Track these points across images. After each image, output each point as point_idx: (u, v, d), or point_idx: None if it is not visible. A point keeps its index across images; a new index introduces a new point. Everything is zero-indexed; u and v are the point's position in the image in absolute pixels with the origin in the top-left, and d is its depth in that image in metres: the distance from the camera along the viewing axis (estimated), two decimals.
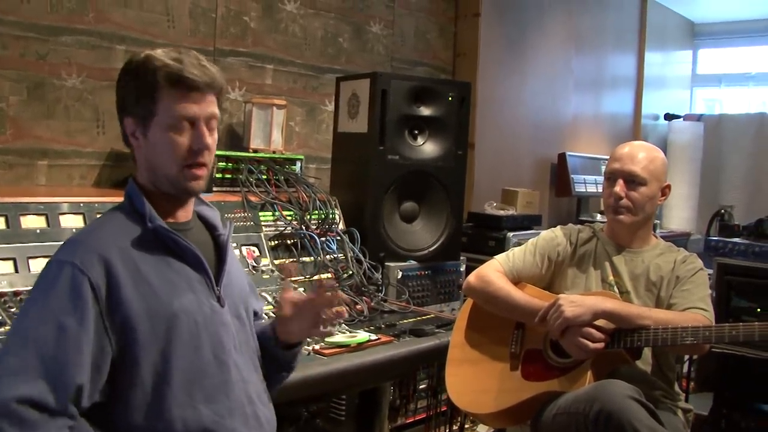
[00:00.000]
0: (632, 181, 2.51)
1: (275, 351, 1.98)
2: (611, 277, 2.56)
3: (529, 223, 4.76)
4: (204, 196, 1.92)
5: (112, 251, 1.62)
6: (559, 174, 5.94)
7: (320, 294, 1.89)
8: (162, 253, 1.71)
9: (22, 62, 3.08)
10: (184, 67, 1.66)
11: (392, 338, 2.74)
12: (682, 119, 7.54)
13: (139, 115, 1.69)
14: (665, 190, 2.58)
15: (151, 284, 1.65)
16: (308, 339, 2.01)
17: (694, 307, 2.36)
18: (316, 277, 3.20)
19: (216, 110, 1.74)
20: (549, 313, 2.32)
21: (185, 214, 1.82)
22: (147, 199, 1.73)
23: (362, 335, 2.68)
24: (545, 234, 2.72)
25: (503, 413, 2.42)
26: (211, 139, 1.73)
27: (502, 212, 4.71)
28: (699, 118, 7.60)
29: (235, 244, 3.01)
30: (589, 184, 5.85)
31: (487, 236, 4.50)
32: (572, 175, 5.82)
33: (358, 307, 3.05)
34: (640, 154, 2.53)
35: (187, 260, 1.74)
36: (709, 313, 2.37)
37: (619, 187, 2.51)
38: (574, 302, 2.29)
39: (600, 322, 2.28)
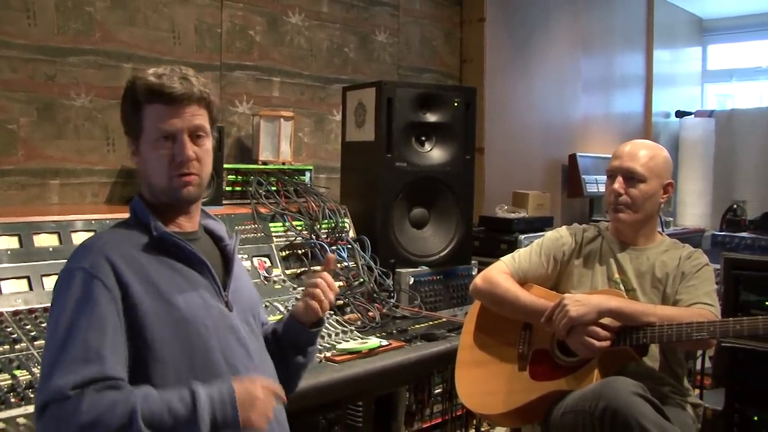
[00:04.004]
0: (631, 178, 2.52)
1: (298, 332, 1.99)
2: (617, 275, 2.57)
3: (540, 225, 4.74)
4: (214, 209, 1.97)
5: (115, 254, 1.68)
6: (571, 175, 5.96)
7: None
8: (168, 259, 1.76)
9: (32, 84, 3.14)
10: (163, 81, 1.72)
11: (403, 343, 2.77)
12: (693, 116, 7.53)
13: (131, 133, 1.79)
14: (668, 188, 2.58)
15: (157, 286, 1.69)
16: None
17: (700, 303, 2.38)
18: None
19: (202, 122, 1.78)
20: (554, 313, 2.34)
21: (191, 224, 1.87)
22: (152, 212, 1.79)
23: (373, 341, 2.72)
24: (550, 234, 2.74)
25: (512, 413, 2.44)
26: (200, 149, 1.78)
27: (512, 215, 4.71)
28: (710, 114, 7.58)
29: (246, 256, 3.05)
30: (601, 184, 5.81)
31: (498, 240, 4.50)
32: (583, 176, 5.83)
33: (370, 313, 3.09)
34: (640, 152, 2.54)
35: (193, 265, 1.80)
36: (715, 308, 2.38)
37: (618, 184, 2.53)
38: (578, 301, 2.31)
39: (606, 321, 2.30)
